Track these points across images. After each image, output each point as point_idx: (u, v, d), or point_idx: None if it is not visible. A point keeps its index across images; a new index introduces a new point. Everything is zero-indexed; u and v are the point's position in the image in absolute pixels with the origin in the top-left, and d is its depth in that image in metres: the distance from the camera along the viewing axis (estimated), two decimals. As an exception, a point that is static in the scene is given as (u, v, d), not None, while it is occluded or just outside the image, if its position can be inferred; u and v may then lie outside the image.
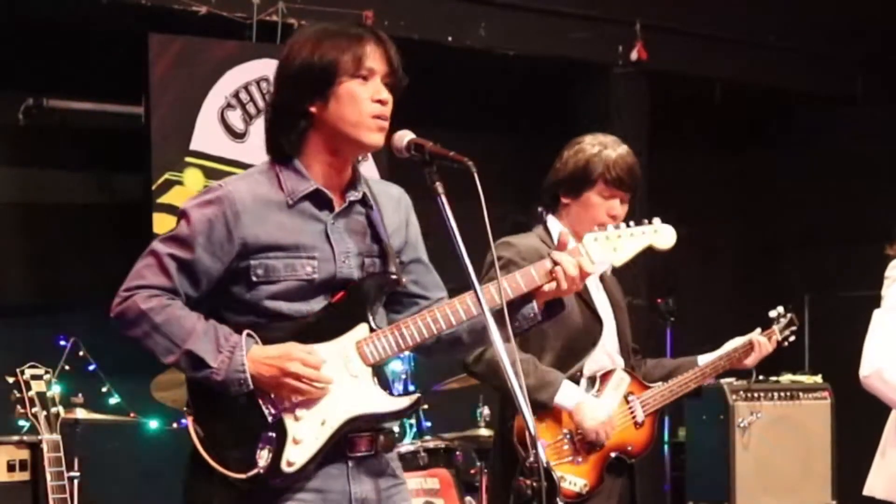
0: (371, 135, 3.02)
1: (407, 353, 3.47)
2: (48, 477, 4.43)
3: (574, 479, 4.07)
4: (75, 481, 4.93)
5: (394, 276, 3.10)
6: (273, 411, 2.96)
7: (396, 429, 5.25)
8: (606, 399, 4.17)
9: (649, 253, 3.37)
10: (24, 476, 5.04)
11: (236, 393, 2.93)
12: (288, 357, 2.94)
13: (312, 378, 2.95)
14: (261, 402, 2.96)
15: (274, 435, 2.94)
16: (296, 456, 2.95)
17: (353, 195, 3.09)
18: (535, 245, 4.12)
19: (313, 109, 3.02)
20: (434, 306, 3.09)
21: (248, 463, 2.93)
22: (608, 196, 4.14)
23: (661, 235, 3.35)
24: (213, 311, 3.02)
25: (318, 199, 3.05)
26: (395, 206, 3.18)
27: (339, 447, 3.01)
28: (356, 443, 3.03)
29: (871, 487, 4.50)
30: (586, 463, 4.10)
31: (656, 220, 3.36)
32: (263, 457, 2.93)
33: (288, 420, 2.96)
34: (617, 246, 3.26)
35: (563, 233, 3.22)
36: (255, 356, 2.94)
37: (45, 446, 4.46)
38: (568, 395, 4.05)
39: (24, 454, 5.04)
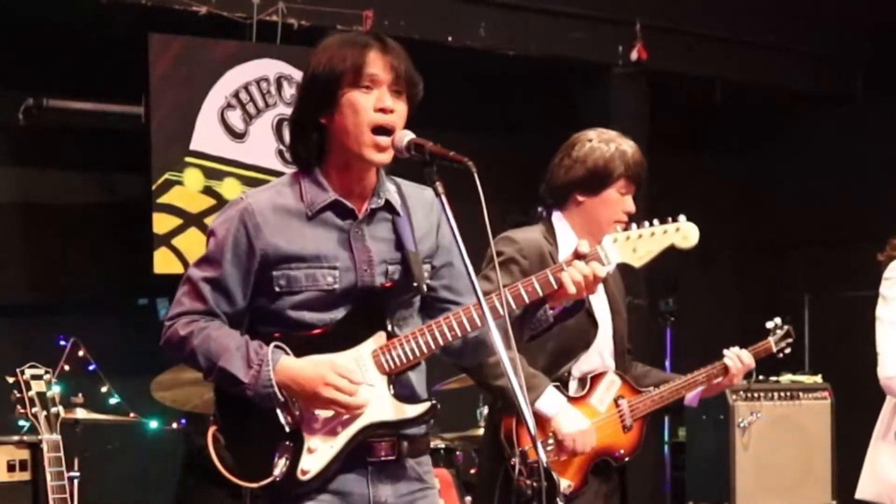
0: (372, 153, 3.01)
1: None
2: (48, 477, 4.43)
3: (559, 479, 4.05)
4: (75, 481, 4.93)
5: (415, 284, 3.08)
6: (290, 421, 2.99)
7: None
8: (596, 401, 4.15)
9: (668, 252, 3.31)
10: (24, 476, 5.04)
11: (269, 405, 2.98)
12: (322, 382, 2.95)
13: (347, 404, 2.97)
14: (279, 412, 2.99)
15: (291, 444, 2.98)
16: (310, 465, 2.98)
17: (375, 202, 3.09)
18: (537, 240, 4.10)
19: (324, 121, 3.04)
20: (453, 313, 3.05)
21: (263, 472, 2.97)
22: (625, 192, 4.15)
23: (684, 234, 3.29)
24: (249, 323, 3.08)
25: (339, 209, 3.06)
26: (426, 210, 3.14)
27: (359, 452, 3.03)
28: (376, 448, 3.05)
29: (862, 491, 4.50)
30: (571, 464, 4.06)
31: (681, 218, 3.30)
32: (279, 465, 2.97)
33: (305, 430, 2.99)
34: (637, 247, 3.23)
35: (580, 243, 3.16)
36: (285, 371, 2.96)
37: (45, 446, 4.45)
38: (550, 401, 3.99)
39: (24, 454, 5.04)
